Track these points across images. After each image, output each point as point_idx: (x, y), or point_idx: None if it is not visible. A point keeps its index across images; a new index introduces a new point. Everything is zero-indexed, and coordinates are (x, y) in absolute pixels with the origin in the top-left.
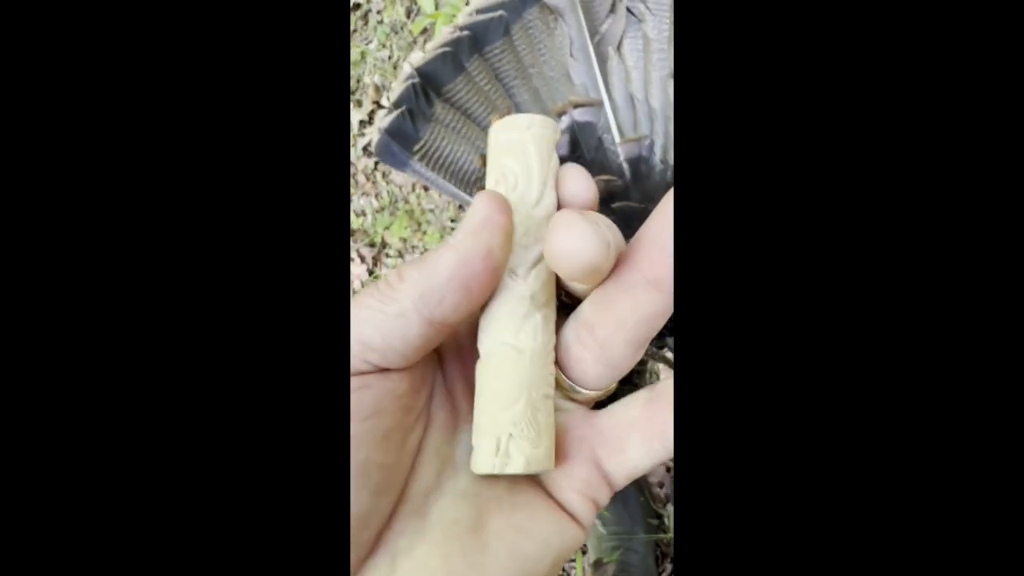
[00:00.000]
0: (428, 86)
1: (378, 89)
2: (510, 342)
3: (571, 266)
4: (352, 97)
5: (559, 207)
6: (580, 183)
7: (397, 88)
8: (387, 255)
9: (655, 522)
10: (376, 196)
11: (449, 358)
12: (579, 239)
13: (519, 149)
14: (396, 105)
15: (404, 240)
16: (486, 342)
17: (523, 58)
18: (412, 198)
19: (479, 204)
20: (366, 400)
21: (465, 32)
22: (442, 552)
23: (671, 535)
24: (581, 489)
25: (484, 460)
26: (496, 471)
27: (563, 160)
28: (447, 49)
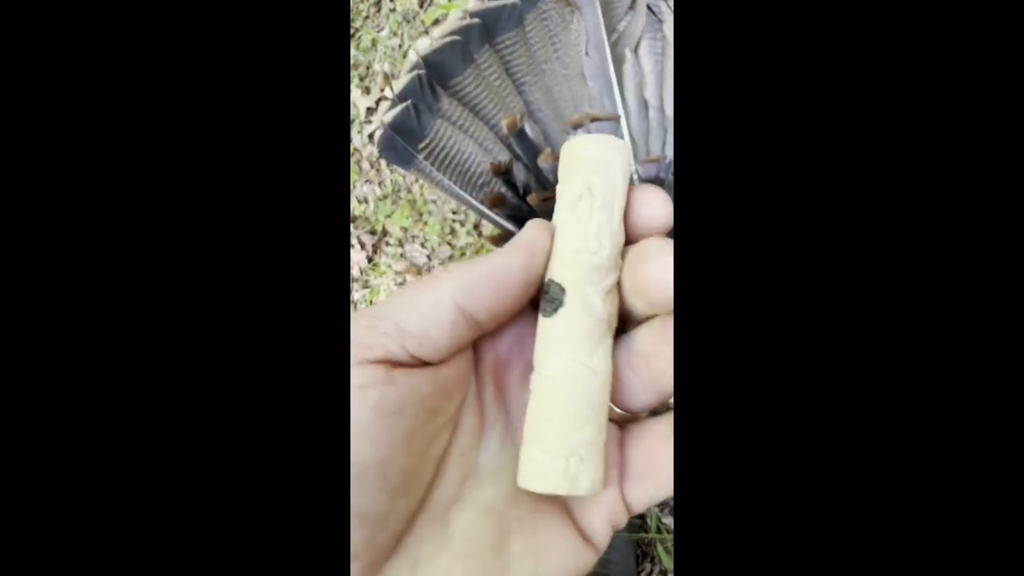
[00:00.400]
0: (434, 78)
1: (387, 77)
2: (585, 362)
3: (659, 297)
4: (361, 84)
5: (634, 229)
6: (658, 206)
7: (402, 79)
8: (387, 243)
9: (637, 521)
10: (379, 184)
11: (484, 365)
12: (672, 271)
13: (608, 171)
14: (401, 98)
15: (405, 229)
16: (556, 358)
17: (536, 52)
18: (415, 188)
19: (531, 226)
20: (390, 396)
21: (475, 20)
22: (464, 568)
23: (652, 535)
24: (606, 515)
25: (549, 479)
26: (561, 492)
27: None
28: (456, 37)
